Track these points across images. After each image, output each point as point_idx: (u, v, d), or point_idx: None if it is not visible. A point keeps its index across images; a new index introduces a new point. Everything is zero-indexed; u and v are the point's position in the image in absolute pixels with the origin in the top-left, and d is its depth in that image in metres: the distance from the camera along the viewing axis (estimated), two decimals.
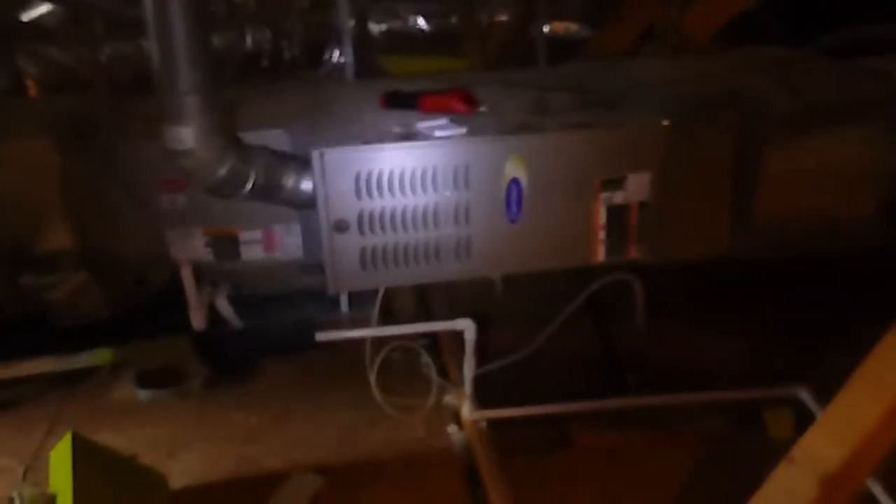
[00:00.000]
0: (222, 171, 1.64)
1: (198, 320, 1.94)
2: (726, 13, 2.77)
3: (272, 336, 2.18)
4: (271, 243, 1.89)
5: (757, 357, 2.41)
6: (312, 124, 1.84)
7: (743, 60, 2.22)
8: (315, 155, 1.70)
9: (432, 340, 2.34)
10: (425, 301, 2.43)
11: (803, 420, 2.12)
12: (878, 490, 1.78)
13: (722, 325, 2.50)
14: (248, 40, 3.38)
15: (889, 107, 2.05)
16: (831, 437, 1.41)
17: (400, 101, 1.95)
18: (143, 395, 2.33)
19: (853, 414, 1.41)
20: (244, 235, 1.89)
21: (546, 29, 4.17)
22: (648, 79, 2.06)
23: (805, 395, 2.19)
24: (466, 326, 1.99)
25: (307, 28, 3.66)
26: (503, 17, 4.26)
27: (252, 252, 1.90)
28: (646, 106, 1.89)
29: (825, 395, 2.09)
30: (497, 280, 2.13)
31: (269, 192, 1.76)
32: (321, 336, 1.97)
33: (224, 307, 1.95)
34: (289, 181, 1.76)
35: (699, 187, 1.96)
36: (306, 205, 1.78)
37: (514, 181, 1.79)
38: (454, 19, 4.29)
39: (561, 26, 4.15)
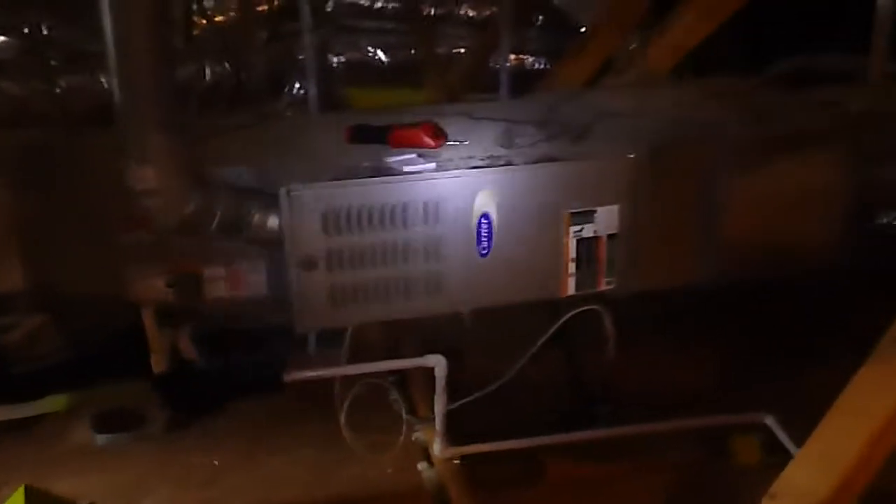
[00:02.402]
0: (187, 211, 1.60)
1: (159, 363, 1.88)
2: (686, 45, 2.84)
3: (237, 376, 2.12)
4: (236, 281, 1.85)
5: (724, 384, 2.44)
6: (277, 160, 1.82)
7: (701, 90, 2.27)
8: (282, 192, 1.67)
9: (401, 376, 2.31)
10: (393, 336, 2.39)
11: (770, 446, 2.16)
12: None
13: (689, 353, 2.52)
14: (208, 73, 3.34)
15: (841, 135, 2.12)
16: (813, 471, 1.42)
17: (366, 135, 1.93)
18: (102, 439, 2.24)
19: (834, 447, 1.41)
20: (208, 273, 1.84)
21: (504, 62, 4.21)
22: (612, 110, 2.09)
23: (771, 422, 2.22)
24: (437, 362, 1.97)
25: (268, 60, 3.64)
26: (463, 49, 4.30)
27: (216, 290, 1.84)
28: (612, 138, 1.92)
29: (791, 420, 2.14)
30: (466, 313, 2.11)
31: (234, 230, 1.72)
32: (288, 376, 1.93)
33: (187, 348, 1.90)
34: (254, 219, 1.73)
35: (667, 217, 1.98)
36: (273, 242, 1.75)
37: (485, 215, 1.78)
38: (414, 51, 4.31)
39: (520, 59, 4.20)
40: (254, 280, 1.81)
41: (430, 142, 1.86)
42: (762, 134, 2.01)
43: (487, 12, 4.22)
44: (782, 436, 2.15)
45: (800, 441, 2.03)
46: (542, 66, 4.14)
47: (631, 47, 3.17)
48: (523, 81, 3.84)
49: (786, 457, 2.02)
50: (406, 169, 1.76)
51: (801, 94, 2.39)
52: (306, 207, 1.68)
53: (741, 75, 2.69)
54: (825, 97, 2.34)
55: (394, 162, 1.79)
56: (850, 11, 3.00)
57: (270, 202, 1.72)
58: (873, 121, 2.14)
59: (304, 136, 2.07)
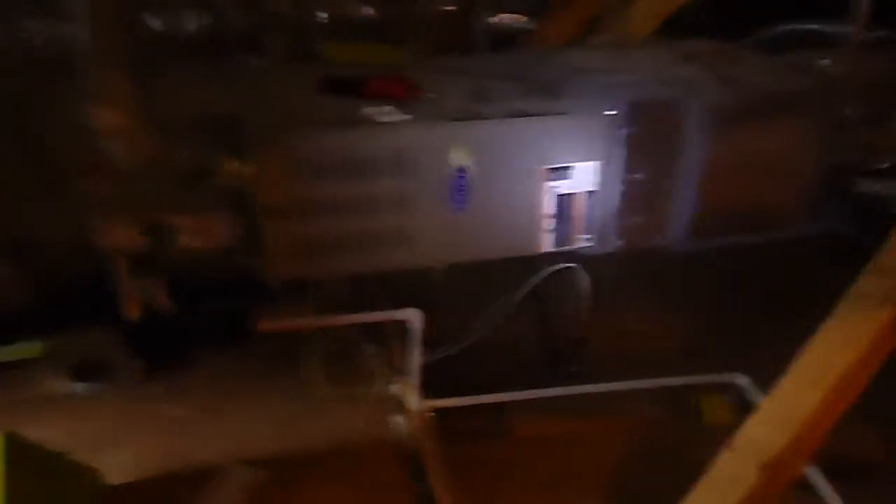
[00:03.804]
0: (151, 155, 1.58)
1: (130, 311, 1.86)
2: (668, 7, 2.81)
3: (207, 326, 2.11)
4: (207, 230, 1.82)
5: (698, 344, 2.46)
6: (250, 108, 1.78)
7: (681, 52, 2.25)
8: (251, 138, 1.65)
9: (376, 330, 2.31)
10: (367, 290, 2.39)
11: (741, 406, 2.18)
12: (815, 475, 1.83)
13: (664, 313, 2.54)
14: (187, 24, 3.27)
15: (817, 98, 2.11)
16: (771, 424, 1.44)
17: (341, 86, 1.90)
18: (74, 388, 2.23)
19: (792, 402, 1.44)
20: (178, 222, 1.81)
21: (490, 20, 4.16)
22: (590, 68, 2.07)
23: (742, 382, 2.24)
24: (412, 316, 1.97)
25: (247, 13, 3.56)
26: (446, 7, 4.23)
27: (187, 239, 1.82)
28: (590, 95, 1.90)
29: (761, 380, 2.16)
30: (440, 268, 2.11)
31: (202, 176, 1.70)
32: (259, 325, 1.92)
33: (161, 297, 1.88)
34: (223, 166, 1.70)
35: (645, 176, 1.98)
36: (242, 190, 1.73)
37: (460, 170, 1.77)
38: (397, 8, 4.24)
39: (505, 17, 4.14)
40: (223, 228, 1.79)
41: (406, 93, 1.84)
42: (736, 96, 2.00)
43: None
44: (754, 396, 2.18)
45: None
46: (526, 25, 4.09)
47: (612, 6, 3.12)
48: (507, 39, 3.80)
49: None
50: (381, 120, 1.74)
51: (779, 59, 2.38)
52: (277, 154, 1.66)
53: (721, 40, 2.68)
54: (802, 62, 2.33)
55: (368, 112, 1.77)
56: None
57: (241, 149, 1.69)
58: (851, 86, 2.14)
59: (278, 85, 2.04)
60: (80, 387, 2.23)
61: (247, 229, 1.75)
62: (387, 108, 1.77)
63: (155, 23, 3.16)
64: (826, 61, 2.39)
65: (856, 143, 2.19)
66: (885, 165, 2.39)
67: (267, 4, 3.61)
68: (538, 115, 1.79)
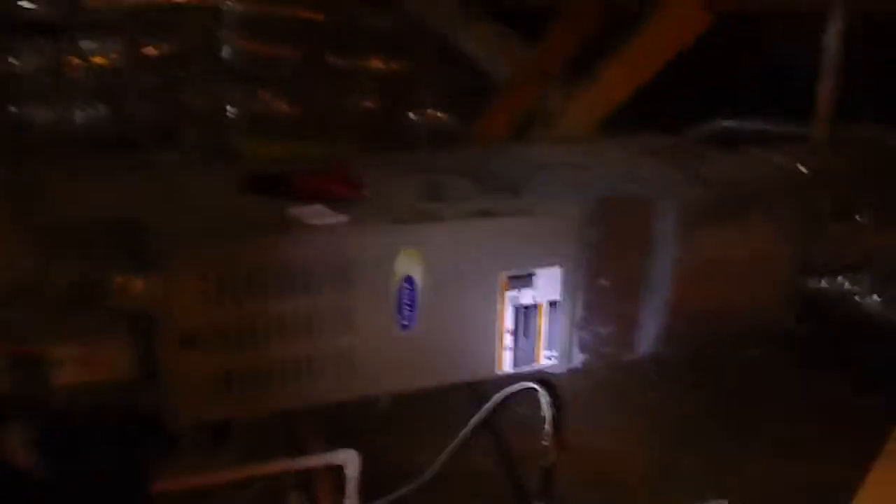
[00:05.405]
0: (24, 273, 1.25)
1: None
2: (613, 101, 2.72)
3: (89, 487, 1.69)
4: (92, 364, 1.46)
5: (671, 462, 2.21)
6: (154, 213, 1.48)
7: (639, 148, 2.11)
8: (157, 248, 1.34)
9: (305, 476, 1.94)
10: (293, 425, 2.04)
11: None
12: None
13: (634, 430, 2.28)
14: (79, 115, 2.95)
15: (786, 193, 2.01)
16: None
17: (265, 185, 1.63)
18: None
19: None
20: (55, 354, 1.45)
21: (414, 116, 4.09)
22: (550, 163, 1.88)
23: None
24: (348, 459, 1.63)
25: (156, 107, 3.29)
26: (366, 103, 4.13)
27: (65, 375, 1.45)
28: (553, 192, 1.69)
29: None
30: (384, 397, 1.80)
31: (92, 298, 1.37)
32: (159, 485, 1.54)
33: (23, 453, 1.48)
34: (120, 284, 1.38)
35: (611, 283, 1.77)
36: (144, 313, 1.39)
37: (408, 280, 1.50)
38: (316, 103, 4.11)
39: (433, 115, 4.05)
40: (115, 362, 1.44)
41: (343, 190, 1.58)
42: (708, 192, 1.86)
43: (395, 66, 4.07)
44: None
45: None
46: (454, 124, 4.00)
47: (551, 101, 3.04)
48: (437, 138, 3.69)
49: None
50: (313, 223, 1.46)
51: (733, 153, 2.29)
52: (191, 268, 1.35)
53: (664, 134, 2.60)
54: (758, 158, 2.24)
55: (300, 215, 1.49)
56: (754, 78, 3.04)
57: (140, 264, 1.38)
58: (821, 182, 2.04)
59: (191, 184, 1.75)
60: None
61: (148, 360, 1.41)
62: (324, 209, 1.49)
63: (45, 114, 2.85)
64: (778, 157, 2.33)
65: (826, 240, 2.09)
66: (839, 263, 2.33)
67: (177, 97, 3.37)
68: (502, 214, 1.55)
